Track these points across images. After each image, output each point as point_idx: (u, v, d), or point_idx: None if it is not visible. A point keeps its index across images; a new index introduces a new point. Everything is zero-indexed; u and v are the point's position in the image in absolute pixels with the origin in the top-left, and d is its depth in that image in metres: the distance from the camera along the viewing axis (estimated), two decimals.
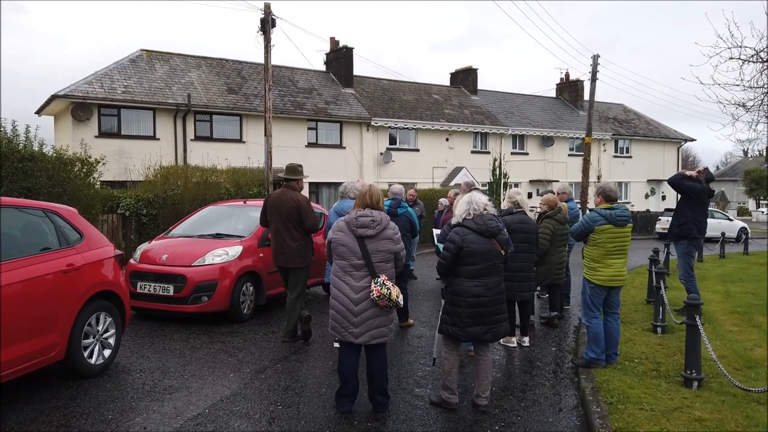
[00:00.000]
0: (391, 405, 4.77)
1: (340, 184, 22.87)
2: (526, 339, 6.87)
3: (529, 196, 27.02)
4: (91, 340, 5.36)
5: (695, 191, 7.87)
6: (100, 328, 5.47)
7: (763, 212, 46.48)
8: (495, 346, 6.46)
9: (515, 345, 6.73)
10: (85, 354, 5.27)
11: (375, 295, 4.41)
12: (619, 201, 5.76)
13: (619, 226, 5.49)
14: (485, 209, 4.78)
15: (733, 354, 6.01)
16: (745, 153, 71.30)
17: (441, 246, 5.04)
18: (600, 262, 5.59)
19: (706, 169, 8.29)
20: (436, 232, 7.73)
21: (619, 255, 5.58)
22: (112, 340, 5.62)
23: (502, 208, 10.18)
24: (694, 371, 5.05)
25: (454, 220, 4.93)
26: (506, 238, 4.83)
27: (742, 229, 24.98)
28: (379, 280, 4.46)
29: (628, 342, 6.43)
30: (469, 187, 8.39)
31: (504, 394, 5.19)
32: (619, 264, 5.60)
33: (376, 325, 4.51)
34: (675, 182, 8.00)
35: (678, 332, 6.95)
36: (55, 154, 9.74)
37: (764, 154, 62.39)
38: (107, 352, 5.56)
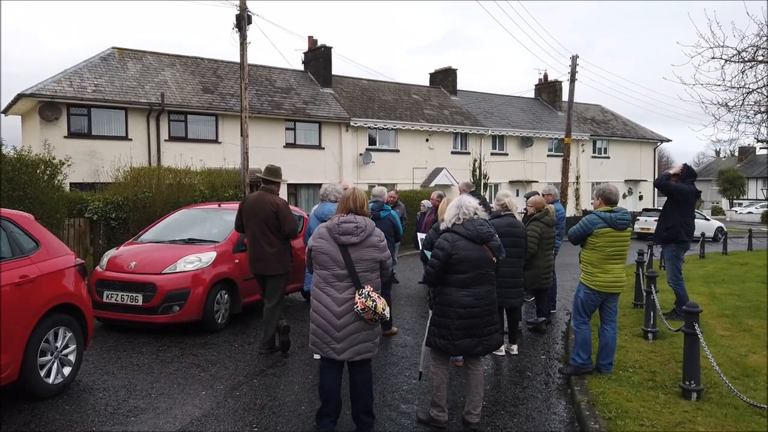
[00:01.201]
0: (376, 424, 4.44)
1: (319, 185, 22.62)
2: (515, 347, 6.61)
3: None
4: (48, 357, 4.93)
5: (682, 192, 7.69)
6: (58, 344, 5.03)
7: (736, 211, 47.26)
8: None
9: (503, 353, 6.46)
10: (42, 373, 4.84)
11: (359, 308, 4.07)
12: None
13: (619, 229, 5.24)
14: (476, 213, 4.49)
15: (728, 361, 5.80)
16: (717, 153, 72.78)
17: (428, 253, 4.72)
18: (598, 267, 5.33)
19: (685, 164, 8.09)
20: (420, 236, 7.43)
21: (618, 260, 5.33)
22: (72, 357, 5.19)
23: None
24: (693, 382, 4.82)
25: (442, 225, 4.62)
26: (498, 244, 4.54)
27: (719, 229, 25.21)
28: (363, 291, 4.12)
29: (620, 349, 6.19)
30: (468, 188, 8.07)
31: (495, 409, 4.90)
32: (618, 269, 5.35)
33: (361, 340, 4.18)
34: (661, 184, 7.79)
35: (669, 338, 6.76)
36: (15, 155, 9.19)
37: (736, 154, 63.74)
38: (67, 370, 5.12)
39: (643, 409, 4.56)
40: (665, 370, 5.59)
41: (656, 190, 9.42)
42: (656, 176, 36.17)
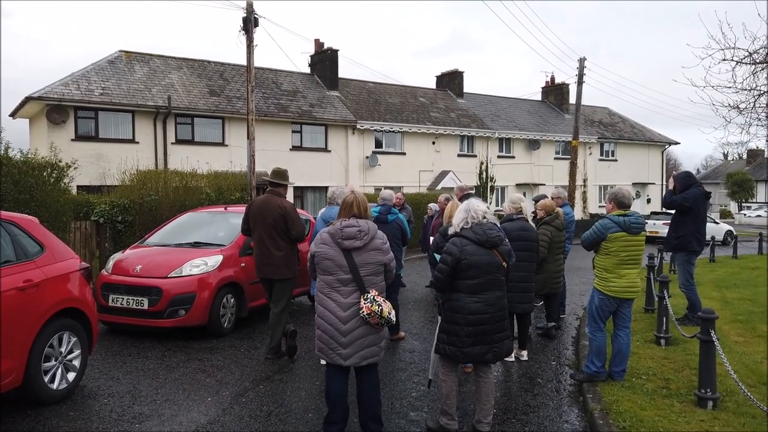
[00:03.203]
0: None
1: (325, 188, 22.64)
2: (525, 353, 6.50)
3: None
4: (53, 362, 4.87)
5: (690, 199, 7.53)
6: (63, 349, 4.98)
7: (745, 215, 46.83)
8: None
9: (513, 360, 6.34)
10: (46, 378, 4.78)
11: (365, 312, 3.99)
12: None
13: (633, 233, 5.13)
14: (485, 217, 4.39)
15: (744, 368, 5.67)
16: (726, 156, 72.22)
17: (437, 256, 4.63)
18: (612, 272, 5.23)
19: (674, 175, 7.98)
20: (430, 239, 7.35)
21: (632, 264, 5.22)
22: (77, 362, 5.13)
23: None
24: (708, 390, 4.70)
25: (451, 230, 4.53)
26: (508, 248, 4.44)
27: (728, 232, 24.96)
28: (369, 295, 4.04)
29: (633, 355, 6.07)
30: (462, 191, 8.00)
31: (506, 417, 4.80)
32: (632, 274, 5.24)
33: (367, 345, 4.09)
34: (669, 203, 7.68)
35: (682, 344, 6.64)
36: (22, 158, 9.18)
37: (745, 157, 63.24)
38: (71, 376, 5.07)
39: (658, 418, 4.45)
40: (679, 378, 5.48)
41: (669, 209, 9.31)
42: (663, 180, 35.97)
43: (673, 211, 8.01)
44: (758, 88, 11.29)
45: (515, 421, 4.71)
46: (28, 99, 17.47)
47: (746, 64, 11.12)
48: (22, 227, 4.89)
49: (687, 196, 7.54)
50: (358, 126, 23.84)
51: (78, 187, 15.87)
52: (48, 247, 5.05)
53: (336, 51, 25.64)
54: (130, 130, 19.11)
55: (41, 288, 4.72)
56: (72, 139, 17.92)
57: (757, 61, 11.09)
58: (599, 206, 32.19)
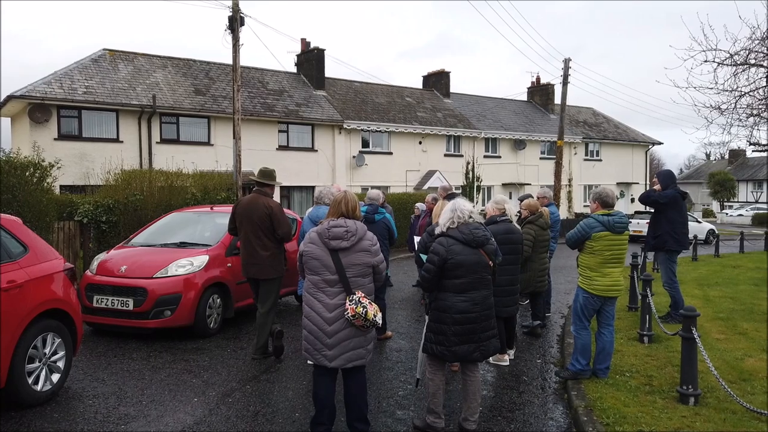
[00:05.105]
0: (371, 431, 4.36)
1: (312, 188, 22.65)
2: (511, 351, 6.55)
3: None
4: (36, 364, 4.82)
5: (668, 197, 7.66)
6: (47, 350, 4.93)
7: (727, 214, 47.54)
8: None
9: (507, 363, 6.30)
10: (30, 380, 4.74)
11: (350, 314, 3.99)
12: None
13: (617, 233, 5.21)
14: (470, 217, 4.43)
15: (725, 365, 5.78)
16: (708, 156, 73.18)
17: (423, 256, 4.65)
18: (597, 270, 5.30)
19: (658, 174, 8.13)
20: (417, 239, 7.38)
21: (616, 263, 5.30)
22: (61, 363, 5.09)
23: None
24: (690, 387, 4.78)
25: (437, 230, 4.55)
26: (494, 248, 4.48)
27: (711, 231, 25.30)
28: (354, 297, 4.04)
29: (616, 353, 6.15)
30: (446, 192, 8.05)
31: (492, 415, 4.84)
32: (616, 273, 5.32)
33: (353, 347, 4.09)
34: (646, 198, 7.82)
35: (665, 341, 6.74)
36: (4, 158, 9.06)
37: (726, 157, 64.13)
38: (56, 377, 5.02)
39: (641, 415, 4.52)
40: (662, 375, 5.56)
41: (644, 204, 9.52)
42: (647, 180, 36.39)
43: (653, 210, 8.14)
44: (739, 89, 11.49)
45: (501, 419, 4.76)
46: (10, 97, 17.24)
47: (727, 65, 11.30)
48: (5, 227, 4.83)
49: (664, 194, 7.69)
50: (344, 126, 23.83)
51: (61, 187, 15.73)
52: (31, 248, 4.99)
53: (322, 50, 25.59)
54: (114, 129, 18.93)
55: (25, 289, 4.67)
56: (55, 139, 17.71)
57: (738, 62, 11.27)
58: (584, 206, 32.48)
